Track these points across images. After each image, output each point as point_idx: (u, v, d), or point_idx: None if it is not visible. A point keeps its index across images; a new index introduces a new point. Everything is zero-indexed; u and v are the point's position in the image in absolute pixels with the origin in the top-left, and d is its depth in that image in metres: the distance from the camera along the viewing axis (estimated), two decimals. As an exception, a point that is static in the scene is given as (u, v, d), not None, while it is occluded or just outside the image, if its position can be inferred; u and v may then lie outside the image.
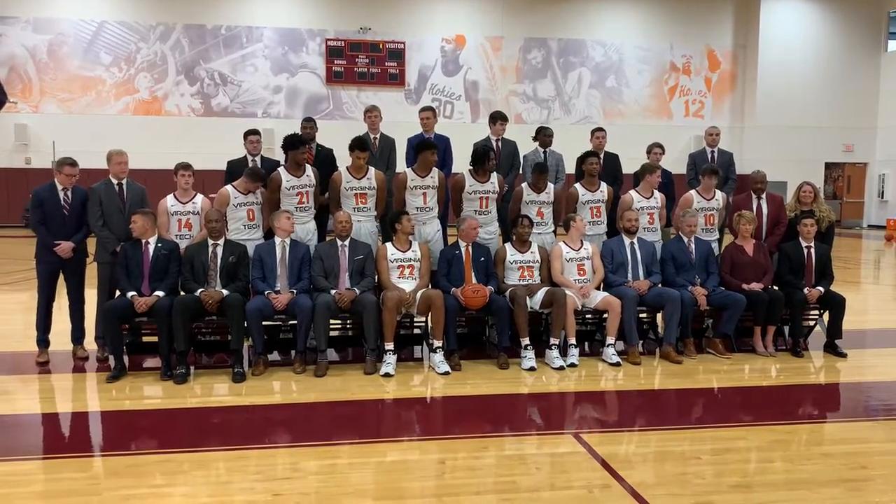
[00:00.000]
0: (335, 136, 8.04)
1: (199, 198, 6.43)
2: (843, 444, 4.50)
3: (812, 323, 6.93)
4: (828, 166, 24.42)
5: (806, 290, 6.58)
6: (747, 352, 6.62)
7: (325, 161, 7.30)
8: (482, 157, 6.57)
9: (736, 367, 6.25)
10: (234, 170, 6.93)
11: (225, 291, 5.84)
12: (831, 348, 6.62)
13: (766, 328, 6.59)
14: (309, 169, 6.56)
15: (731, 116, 23.90)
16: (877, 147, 24.52)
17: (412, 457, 4.25)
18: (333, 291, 5.95)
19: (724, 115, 23.80)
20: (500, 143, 7.88)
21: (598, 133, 8.18)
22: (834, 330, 6.62)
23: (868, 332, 7.85)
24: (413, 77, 22.42)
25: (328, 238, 6.51)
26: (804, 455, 4.29)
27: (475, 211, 6.62)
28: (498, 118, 7.95)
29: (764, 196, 7.16)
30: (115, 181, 6.24)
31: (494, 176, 6.72)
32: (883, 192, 24.52)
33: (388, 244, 6.29)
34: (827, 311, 6.72)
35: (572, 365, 6.07)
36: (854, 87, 24.08)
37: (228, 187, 6.43)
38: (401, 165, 7.52)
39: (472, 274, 6.26)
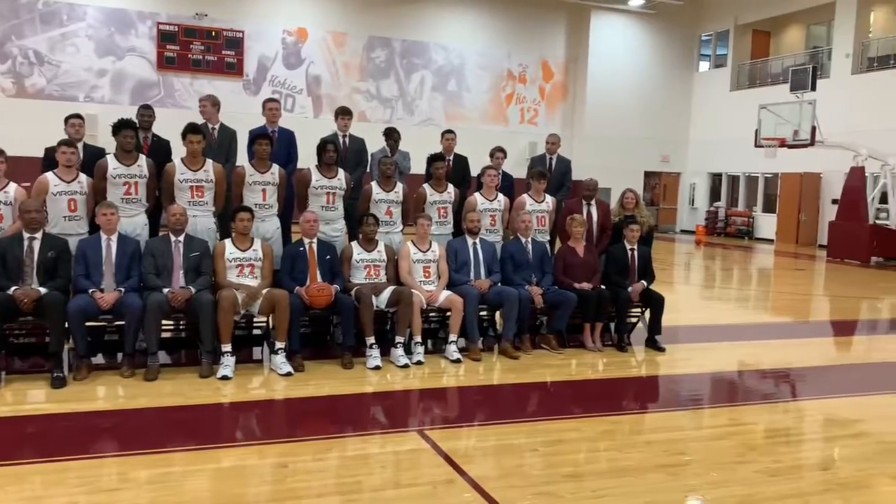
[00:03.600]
0: (167, 125, 7.54)
1: (12, 186, 5.83)
2: (662, 432, 4.88)
3: (635, 319, 7.45)
4: (647, 175, 26.40)
5: (630, 289, 7.07)
6: (577, 347, 6.98)
7: (161, 152, 6.86)
8: (319, 149, 6.52)
9: (567, 362, 6.59)
10: (53, 156, 6.34)
11: (43, 290, 5.34)
12: (652, 343, 7.15)
13: (595, 325, 7.00)
14: (143, 159, 6.16)
15: (563, 125, 25.19)
16: (689, 158, 26.86)
17: (251, 461, 4.11)
18: (166, 290, 5.62)
19: (557, 123, 25.04)
20: (347, 140, 7.81)
21: (447, 135, 8.32)
22: (654, 326, 7.16)
23: (680, 328, 8.55)
24: (252, 67, 21.68)
25: (161, 233, 6.13)
26: (629, 444, 4.60)
27: (321, 207, 6.51)
28: (341, 113, 7.89)
29: (594, 202, 7.61)
30: None
31: (342, 172, 6.67)
32: (693, 199, 26.90)
33: (227, 241, 6.03)
34: (648, 309, 7.26)
35: (418, 363, 6.13)
36: (671, 102, 26.24)
37: (48, 174, 5.89)
38: (242, 159, 7.23)
39: (317, 272, 6.16)
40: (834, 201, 19.82)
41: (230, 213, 6.12)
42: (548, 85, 25.41)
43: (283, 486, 3.77)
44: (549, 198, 7.54)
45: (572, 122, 25.58)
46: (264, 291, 5.85)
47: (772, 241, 23.16)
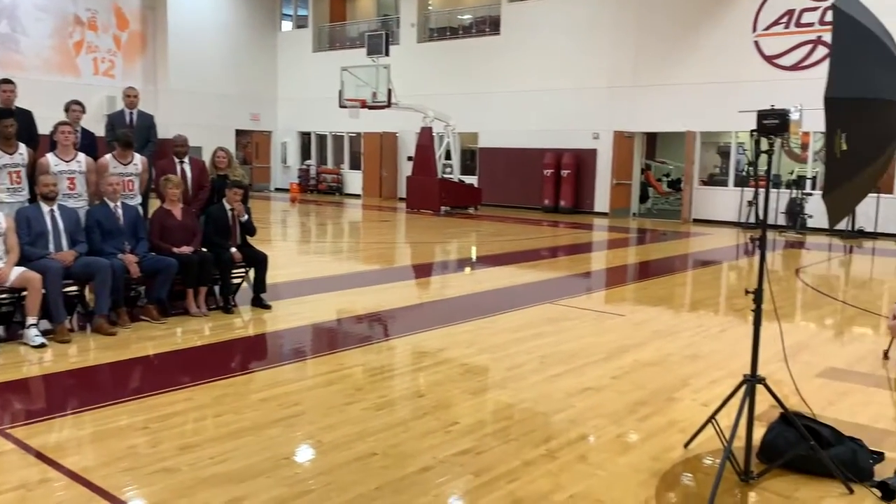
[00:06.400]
0: None
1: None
2: (276, 387, 4.96)
3: (239, 280, 7.39)
4: (238, 133, 26.09)
5: (233, 250, 6.98)
6: (181, 314, 6.71)
7: None
8: None
9: (172, 331, 6.28)
10: None
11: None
12: (258, 301, 7.20)
13: (198, 289, 6.78)
14: None
15: (144, 78, 23.44)
16: (279, 117, 27.25)
17: None
18: None
19: (137, 76, 23.19)
20: None
21: (5, 86, 7.07)
22: (259, 285, 7.20)
23: (283, 284, 8.75)
24: None
25: None
26: (244, 404, 4.59)
27: None
28: None
29: (187, 160, 7.32)
30: None
31: None
32: (286, 158, 27.47)
33: None
34: (252, 268, 7.26)
35: (-12, 354, 5.24)
36: (258, 60, 26.18)
37: None
38: None
39: None
40: (409, 158, 22.08)
41: None
42: (123, 34, 23.33)
43: None
44: (138, 158, 6.99)
45: (155, 76, 23.96)
46: None
47: (359, 195, 24.95)
